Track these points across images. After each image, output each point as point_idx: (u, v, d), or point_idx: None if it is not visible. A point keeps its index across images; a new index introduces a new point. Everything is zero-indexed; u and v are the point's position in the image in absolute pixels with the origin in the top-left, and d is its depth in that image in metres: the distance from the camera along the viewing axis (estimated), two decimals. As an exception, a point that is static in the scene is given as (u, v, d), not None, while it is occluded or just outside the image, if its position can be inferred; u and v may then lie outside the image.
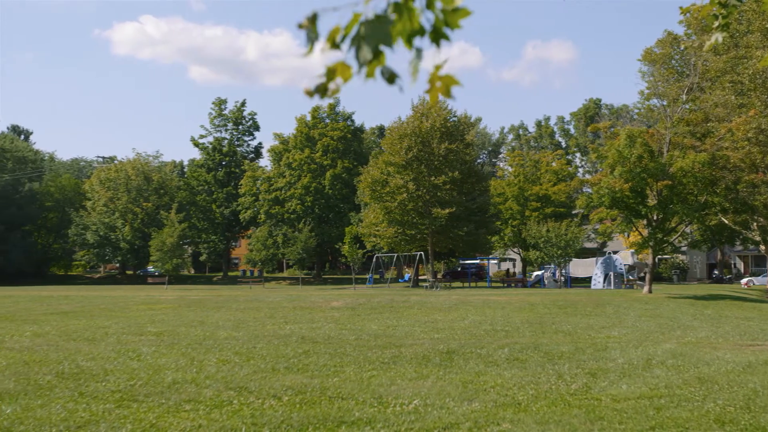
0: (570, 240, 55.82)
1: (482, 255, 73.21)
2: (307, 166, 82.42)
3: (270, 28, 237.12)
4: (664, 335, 18.78)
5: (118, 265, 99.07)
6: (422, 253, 59.85)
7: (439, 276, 68.77)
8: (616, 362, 13.56)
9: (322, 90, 2.82)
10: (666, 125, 40.03)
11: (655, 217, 39.44)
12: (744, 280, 60.54)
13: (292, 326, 21.33)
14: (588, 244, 70.17)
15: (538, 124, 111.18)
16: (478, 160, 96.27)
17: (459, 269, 78.26)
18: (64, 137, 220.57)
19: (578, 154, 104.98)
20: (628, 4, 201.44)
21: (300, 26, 2.75)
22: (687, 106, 41.27)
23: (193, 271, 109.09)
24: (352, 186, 77.50)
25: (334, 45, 2.73)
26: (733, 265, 77.37)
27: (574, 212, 69.33)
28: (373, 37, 2.64)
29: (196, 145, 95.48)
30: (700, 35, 38.43)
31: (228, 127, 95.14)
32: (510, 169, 78.66)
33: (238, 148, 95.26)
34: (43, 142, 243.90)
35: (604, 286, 53.90)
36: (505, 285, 64.32)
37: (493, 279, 73.56)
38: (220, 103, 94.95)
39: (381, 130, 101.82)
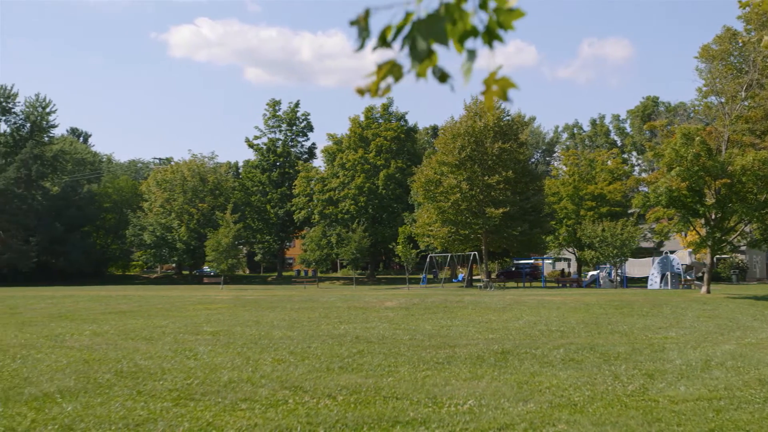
0: (626, 239, 55.19)
1: (537, 255, 72.79)
2: (361, 167, 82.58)
3: (324, 29, 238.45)
4: (723, 336, 18.48)
5: (174, 265, 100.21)
6: (476, 252, 59.64)
7: (493, 276, 68.46)
8: (673, 363, 13.37)
9: (372, 89, 2.82)
10: (724, 123, 39.33)
11: (713, 216, 38.76)
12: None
13: (347, 326, 21.39)
14: (644, 244, 69.30)
15: (593, 123, 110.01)
16: (532, 160, 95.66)
17: (513, 269, 77.88)
18: (121, 139, 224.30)
19: (634, 153, 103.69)
20: (685, 0, 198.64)
21: (352, 23, 2.75)
22: (746, 103, 40.50)
23: (248, 272, 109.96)
24: (406, 186, 77.46)
25: (385, 43, 2.73)
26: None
27: (630, 211, 68.47)
28: (427, 35, 2.63)
29: (251, 146, 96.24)
30: (760, 30, 37.72)
31: (282, 128, 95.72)
32: (564, 168, 77.92)
33: (292, 149, 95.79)
34: (101, 144, 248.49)
35: (660, 286, 53.16)
36: (560, 285, 63.82)
37: (548, 279, 72.98)
38: (274, 104, 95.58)
39: (434, 130, 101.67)
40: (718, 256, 53.81)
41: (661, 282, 53.87)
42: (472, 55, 2.69)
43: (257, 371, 12.41)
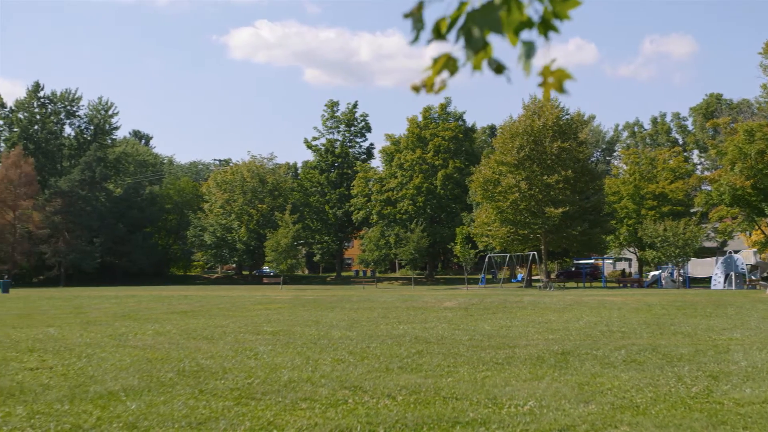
0: (688, 239, 54.37)
1: (597, 255, 72.04)
2: (419, 167, 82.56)
3: (382, 29, 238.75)
4: (789, 337, 18.10)
5: (234, 265, 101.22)
6: (535, 252, 59.28)
7: (552, 276, 68.05)
8: (738, 365, 13.12)
9: (428, 84, 2.81)
10: (789, 119, 38.57)
11: (779, 215, 38.03)
12: None
13: (405, 326, 21.39)
14: (707, 243, 68.25)
15: (654, 121, 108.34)
16: (592, 159, 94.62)
17: (573, 269, 77.22)
18: (182, 141, 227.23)
19: (696, 151, 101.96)
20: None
21: (406, 15, 2.74)
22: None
23: (307, 272, 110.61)
24: (464, 186, 77.25)
25: (440, 35, 2.71)
26: None
27: (692, 210, 67.40)
28: (482, 24, 2.60)
29: (309, 147, 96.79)
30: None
31: (340, 129, 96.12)
32: (625, 167, 76.96)
33: (350, 150, 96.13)
34: (162, 146, 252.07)
35: (724, 287, 52.22)
36: (621, 285, 63.15)
37: (609, 279, 72.28)
38: (333, 105, 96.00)
39: (492, 130, 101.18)
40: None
41: (724, 282, 52.91)
42: (529, 46, 2.66)
43: (317, 371, 12.47)
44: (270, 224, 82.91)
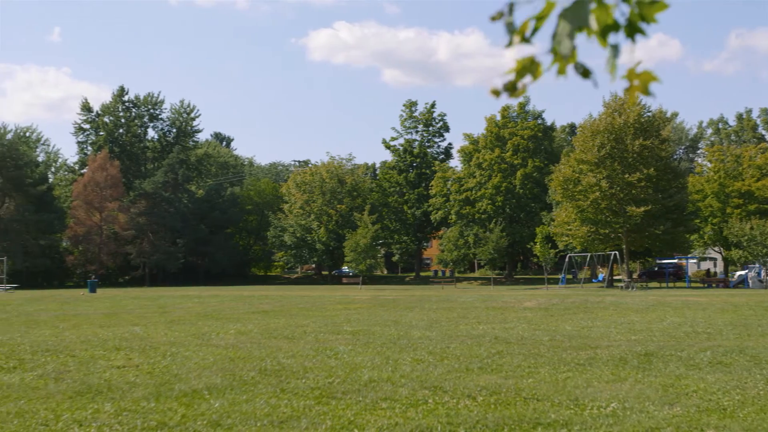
0: (776, 238, 53.06)
1: (680, 254, 70.74)
2: (498, 166, 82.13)
3: (461, 28, 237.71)
4: None
5: (314, 265, 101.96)
6: (616, 252, 58.52)
7: (634, 276, 66.97)
8: (830, 367, 12.75)
9: (510, 88, 2.78)
10: None
11: None
12: None
13: (485, 326, 21.29)
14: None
15: (739, 117, 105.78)
16: (675, 156, 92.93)
17: (656, 269, 75.94)
18: (262, 142, 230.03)
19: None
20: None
21: (493, 18, 2.71)
22: None
23: (385, 272, 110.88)
24: (543, 185, 76.58)
25: (524, 39, 2.69)
26: None
27: (781, 208, 65.71)
28: (573, 20, 2.57)
29: (388, 147, 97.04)
30: None
31: (418, 129, 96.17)
32: (709, 165, 75.33)
33: (429, 150, 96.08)
34: (243, 147, 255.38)
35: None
36: (706, 285, 61.90)
37: (693, 279, 70.86)
38: (411, 105, 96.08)
39: (572, 128, 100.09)
40: None
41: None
42: (615, 49, 2.63)
43: (397, 371, 12.49)
44: (349, 225, 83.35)
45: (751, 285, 56.75)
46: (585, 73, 2.68)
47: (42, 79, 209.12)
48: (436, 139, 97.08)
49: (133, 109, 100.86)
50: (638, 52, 2.64)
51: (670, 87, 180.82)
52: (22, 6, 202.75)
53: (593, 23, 2.58)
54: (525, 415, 8.89)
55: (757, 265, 58.68)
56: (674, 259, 73.20)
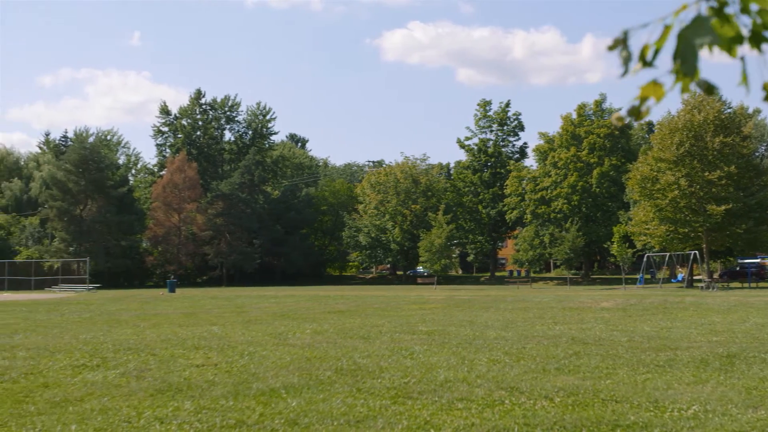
0: None
1: (763, 253, 69.10)
2: (573, 165, 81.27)
3: (537, 26, 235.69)
4: None
5: (388, 265, 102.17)
6: (696, 251, 57.43)
7: (715, 276, 65.62)
8: None
9: (635, 113, 2.75)
10: None
11: None
12: None
13: (561, 327, 21.08)
14: None
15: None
16: (757, 153, 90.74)
17: (737, 269, 74.25)
18: (336, 143, 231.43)
19: None
20: None
21: (610, 48, 2.68)
22: None
23: (460, 272, 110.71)
24: (620, 184, 75.54)
25: (646, 63, 2.65)
26: None
27: None
28: (697, 39, 2.52)
29: (462, 146, 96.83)
30: None
31: (493, 128, 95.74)
32: (794, 161, 73.51)
33: (503, 149, 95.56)
34: (317, 148, 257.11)
35: None
36: (790, 285, 60.33)
37: (776, 279, 69.17)
38: (485, 104, 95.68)
39: (650, 126, 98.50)
40: None
41: None
42: (742, 62, 2.57)
43: (472, 371, 12.44)
44: (423, 225, 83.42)
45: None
46: (709, 89, 2.63)
47: (122, 83, 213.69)
48: (511, 138, 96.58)
49: (210, 112, 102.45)
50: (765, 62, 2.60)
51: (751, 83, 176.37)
52: (103, 11, 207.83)
53: (716, 38, 2.52)
54: (603, 416, 8.77)
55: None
56: (757, 258, 71.55)
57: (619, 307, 30.12)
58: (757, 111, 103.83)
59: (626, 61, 2.62)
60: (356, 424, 8.51)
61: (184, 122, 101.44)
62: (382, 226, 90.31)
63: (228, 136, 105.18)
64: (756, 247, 61.14)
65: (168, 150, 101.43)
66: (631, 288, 56.82)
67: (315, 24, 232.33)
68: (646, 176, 57.63)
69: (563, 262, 78.76)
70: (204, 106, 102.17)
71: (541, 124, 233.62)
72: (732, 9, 2.55)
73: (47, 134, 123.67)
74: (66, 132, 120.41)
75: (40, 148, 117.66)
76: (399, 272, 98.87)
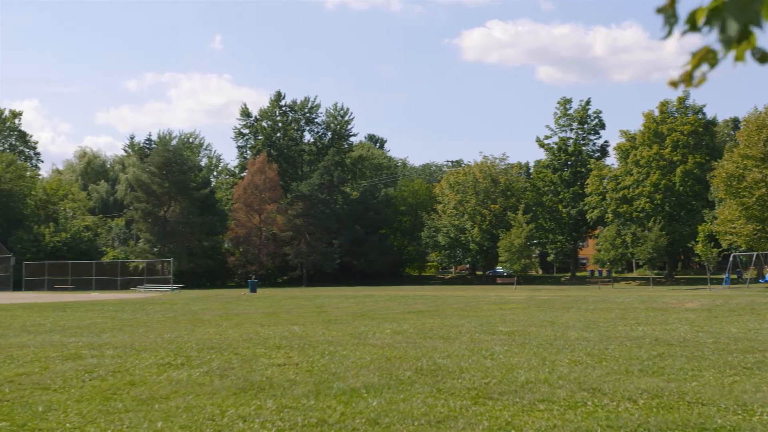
0: None
1: None
2: (656, 163, 79.94)
3: (618, 22, 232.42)
4: None
5: (468, 265, 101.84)
6: (785, 251, 56.01)
7: (805, 276, 63.81)
8: None
9: (687, 78, 2.69)
10: None
11: None
12: None
13: (645, 328, 20.73)
14: None
15: None
16: None
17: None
18: (415, 143, 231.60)
19: None
20: None
21: (659, 10, 2.64)
22: None
23: (540, 272, 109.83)
24: (705, 182, 74.04)
25: (694, 27, 2.59)
26: None
27: None
28: (737, 16, 2.45)
29: (542, 145, 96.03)
30: None
31: (573, 127, 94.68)
32: None
33: (584, 148, 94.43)
34: (396, 149, 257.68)
35: None
36: None
37: None
38: (565, 102, 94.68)
39: (735, 122, 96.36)
40: None
41: None
42: None
43: (554, 372, 12.32)
44: (503, 224, 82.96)
45: None
46: (763, 58, 2.55)
47: (205, 86, 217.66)
48: (592, 137, 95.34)
49: (290, 113, 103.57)
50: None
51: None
52: (185, 16, 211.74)
53: (760, 17, 2.45)
54: (689, 419, 8.59)
55: None
56: None
57: (704, 307, 29.51)
58: None
59: (671, 24, 2.56)
60: (437, 424, 8.50)
61: (264, 124, 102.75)
62: (461, 226, 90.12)
63: (307, 137, 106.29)
64: None
65: (249, 152, 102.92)
66: (717, 288, 55.64)
67: (394, 24, 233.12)
68: (731, 174, 56.46)
69: (646, 262, 77.43)
70: (284, 108, 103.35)
71: (622, 121, 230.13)
72: None
73: (132, 137, 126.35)
74: (150, 135, 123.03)
75: (126, 151, 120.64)
76: (478, 272, 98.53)
